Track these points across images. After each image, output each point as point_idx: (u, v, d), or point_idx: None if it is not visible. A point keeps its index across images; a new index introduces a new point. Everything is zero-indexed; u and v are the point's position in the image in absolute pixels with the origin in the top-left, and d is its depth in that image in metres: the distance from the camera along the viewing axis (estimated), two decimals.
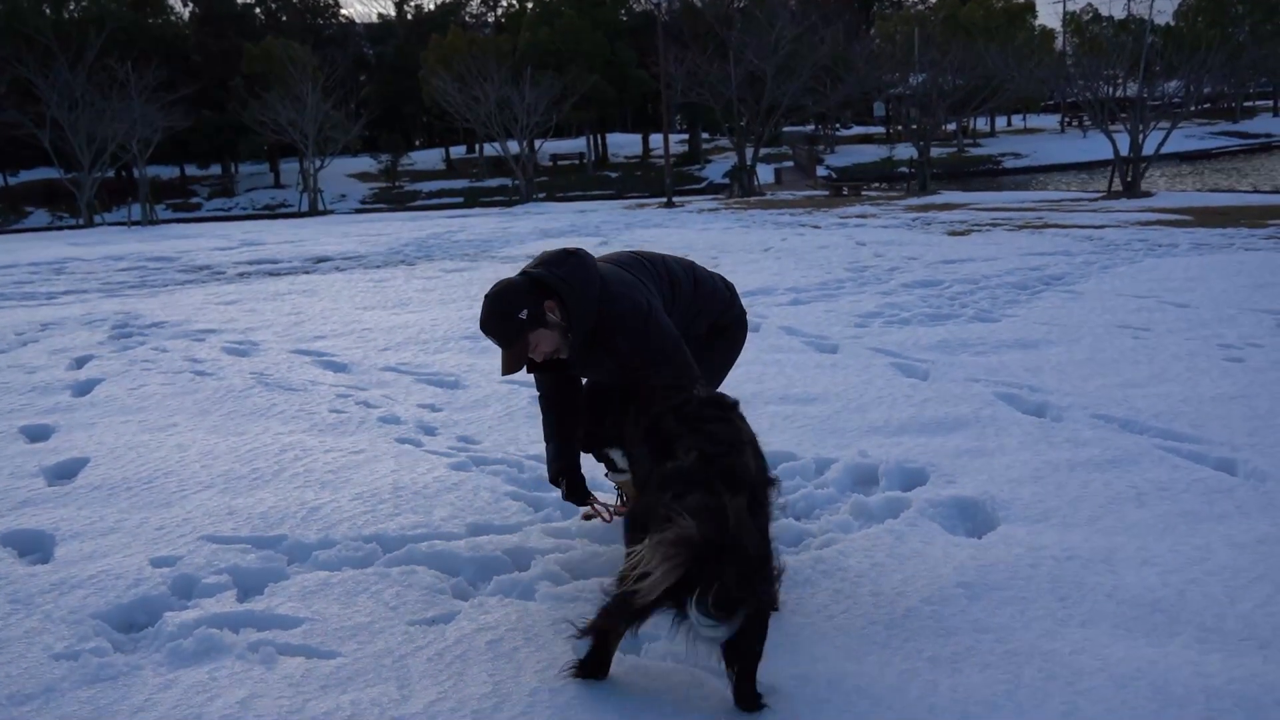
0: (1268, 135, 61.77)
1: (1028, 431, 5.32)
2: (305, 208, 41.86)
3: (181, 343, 9.07)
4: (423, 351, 8.22)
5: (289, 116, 42.35)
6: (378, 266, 15.45)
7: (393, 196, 55.57)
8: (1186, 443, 5.05)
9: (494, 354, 4.05)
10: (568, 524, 4.37)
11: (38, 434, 6.19)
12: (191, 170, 63.57)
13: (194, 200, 57.11)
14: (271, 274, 15.04)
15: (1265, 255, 11.85)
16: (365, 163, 62.89)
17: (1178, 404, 5.72)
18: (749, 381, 6.60)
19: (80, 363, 8.31)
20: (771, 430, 5.60)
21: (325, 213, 40.98)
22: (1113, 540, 3.92)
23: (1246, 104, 68.71)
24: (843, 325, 8.53)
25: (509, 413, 6.20)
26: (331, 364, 7.90)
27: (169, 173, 61.46)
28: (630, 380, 3.61)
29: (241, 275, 15.05)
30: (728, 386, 6.22)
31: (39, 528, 4.48)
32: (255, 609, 3.65)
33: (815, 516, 4.41)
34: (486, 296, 3.61)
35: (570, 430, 3.99)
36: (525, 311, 3.52)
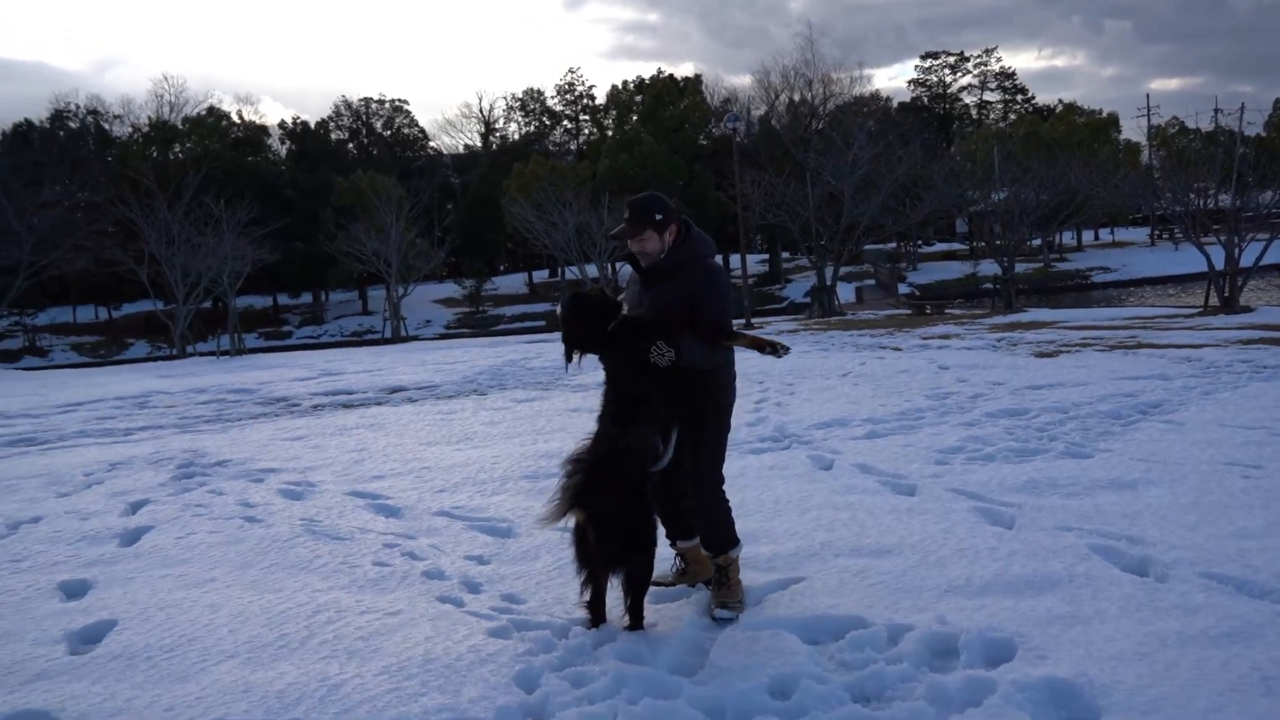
0: None
1: (1129, 594, 4.75)
2: (390, 334, 42.53)
3: (239, 484, 8.90)
4: (479, 493, 7.90)
5: (374, 246, 43.42)
6: (450, 396, 15.33)
7: (476, 321, 56.45)
8: None
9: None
10: (606, 705, 3.93)
11: (75, 590, 5.97)
12: (284, 299, 65.46)
13: (285, 329, 58.66)
14: (345, 405, 14.99)
15: None
16: (450, 288, 64.17)
17: None
18: (819, 530, 6.15)
19: (135, 508, 8.14)
20: (841, 589, 5.14)
21: (408, 339, 41.65)
22: None
23: None
24: (922, 462, 8.02)
25: (559, 566, 5.81)
26: (384, 508, 7.62)
27: (262, 302, 63.42)
28: (672, 314, 4.87)
29: (315, 408, 15.02)
30: (802, 536, 5.81)
31: (44, 707, 4.19)
32: None
33: (886, 700, 3.91)
34: (650, 193, 5.13)
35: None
36: (661, 215, 4.90)
